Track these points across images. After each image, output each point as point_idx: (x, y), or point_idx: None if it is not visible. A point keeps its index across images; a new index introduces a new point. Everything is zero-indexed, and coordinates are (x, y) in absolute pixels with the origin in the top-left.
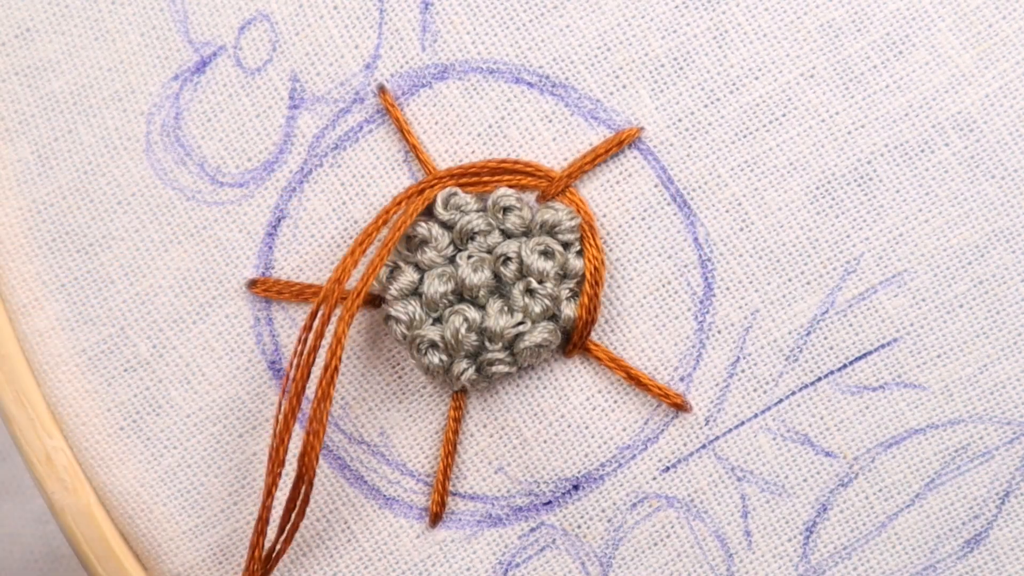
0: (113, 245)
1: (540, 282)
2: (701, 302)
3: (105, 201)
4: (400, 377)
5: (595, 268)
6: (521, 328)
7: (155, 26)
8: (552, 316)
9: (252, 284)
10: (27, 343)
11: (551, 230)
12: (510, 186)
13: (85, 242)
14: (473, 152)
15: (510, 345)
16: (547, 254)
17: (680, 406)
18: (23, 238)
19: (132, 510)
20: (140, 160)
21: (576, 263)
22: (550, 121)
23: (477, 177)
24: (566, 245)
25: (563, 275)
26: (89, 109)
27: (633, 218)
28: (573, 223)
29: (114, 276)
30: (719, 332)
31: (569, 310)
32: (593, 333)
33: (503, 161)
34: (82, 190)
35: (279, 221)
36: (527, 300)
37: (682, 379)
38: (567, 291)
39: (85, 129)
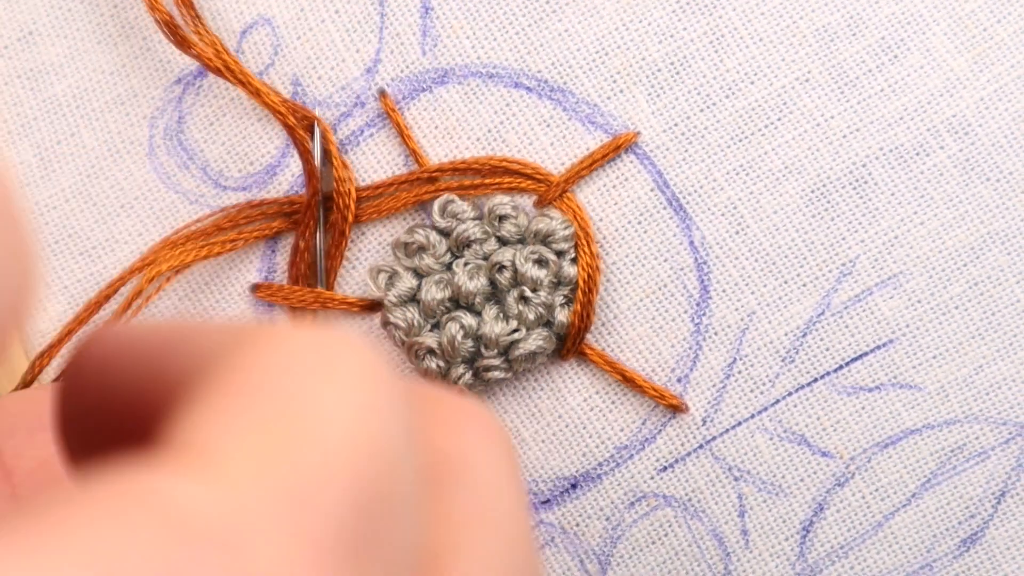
0: (116, 248)
1: (534, 290)
2: (697, 305)
3: (108, 204)
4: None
5: (588, 275)
6: (516, 336)
7: (157, 30)
8: (547, 323)
9: (255, 289)
10: (30, 345)
11: (545, 239)
12: (508, 188)
13: (88, 245)
14: (472, 156)
15: (505, 351)
16: (541, 263)
17: (676, 407)
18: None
19: None
20: (143, 164)
21: (570, 270)
22: (548, 126)
23: (477, 173)
24: (560, 253)
25: (557, 283)
26: (92, 112)
27: (629, 222)
28: (567, 232)
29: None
30: (716, 334)
31: (563, 316)
32: (591, 336)
33: (503, 159)
34: (85, 193)
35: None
36: (521, 307)
37: (679, 380)
38: (561, 298)
39: (88, 132)
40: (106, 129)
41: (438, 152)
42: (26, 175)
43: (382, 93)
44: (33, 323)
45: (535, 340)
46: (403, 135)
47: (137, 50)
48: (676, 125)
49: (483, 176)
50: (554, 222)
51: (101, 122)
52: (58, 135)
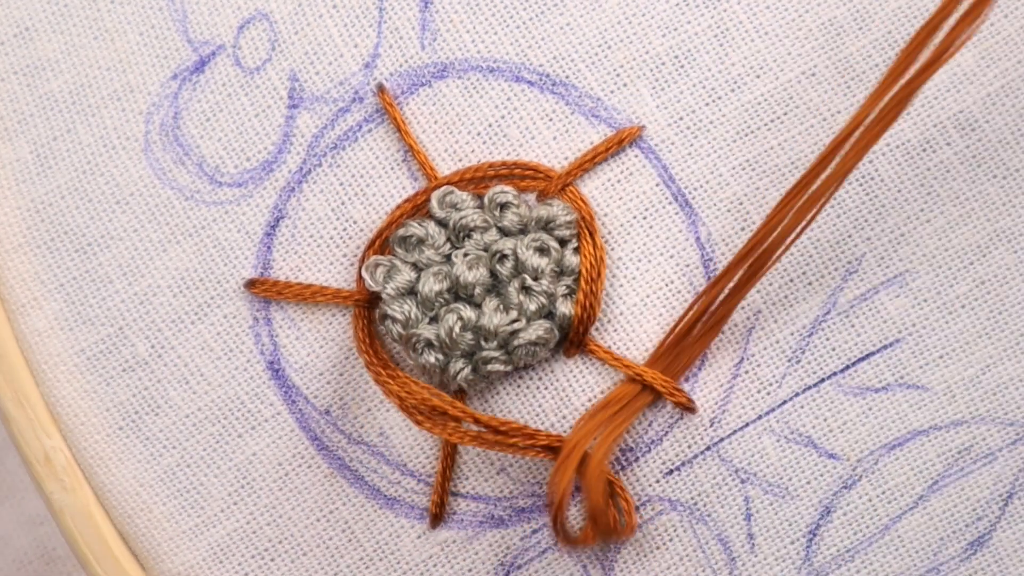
0: (112, 245)
1: (536, 279)
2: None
3: (104, 201)
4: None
5: (591, 264)
6: (516, 326)
7: (154, 25)
8: (548, 314)
9: (250, 284)
10: (25, 343)
11: (547, 226)
12: (510, 185)
13: (84, 242)
14: (473, 151)
15: (505, 343)
16: (542, 251)
17: (688, 406)
18: (22, 237)
19: (131, 510)
20: (139, 160)
21: (572, 260)
22: (550, 120)
23: (479, 180)
24: (563, 242)
25: (559, 272)
26: (88, 108)
27: (634, 217)
28: (569, 219)
29: (112, 276)
30: (722, 333)
31: (565, 308)
32: (595, 334)
33: (504, 163)
34: (81, 189)
35: (278, 221)
36: (522, 298)
37: (686, 380)
38: (564, 288)
39: (84, 128)
40: (102, 125)
41: (438, 147)
42: (22, 171)
43: (380, 88)
44: (30, 322)
45: (536, 330)
46: (401, 131)
47: (133, 46)
48: (681, 119)
49: (487, 181)
50: (556, 208)
51: (97, 118)
52: (54, 131)
